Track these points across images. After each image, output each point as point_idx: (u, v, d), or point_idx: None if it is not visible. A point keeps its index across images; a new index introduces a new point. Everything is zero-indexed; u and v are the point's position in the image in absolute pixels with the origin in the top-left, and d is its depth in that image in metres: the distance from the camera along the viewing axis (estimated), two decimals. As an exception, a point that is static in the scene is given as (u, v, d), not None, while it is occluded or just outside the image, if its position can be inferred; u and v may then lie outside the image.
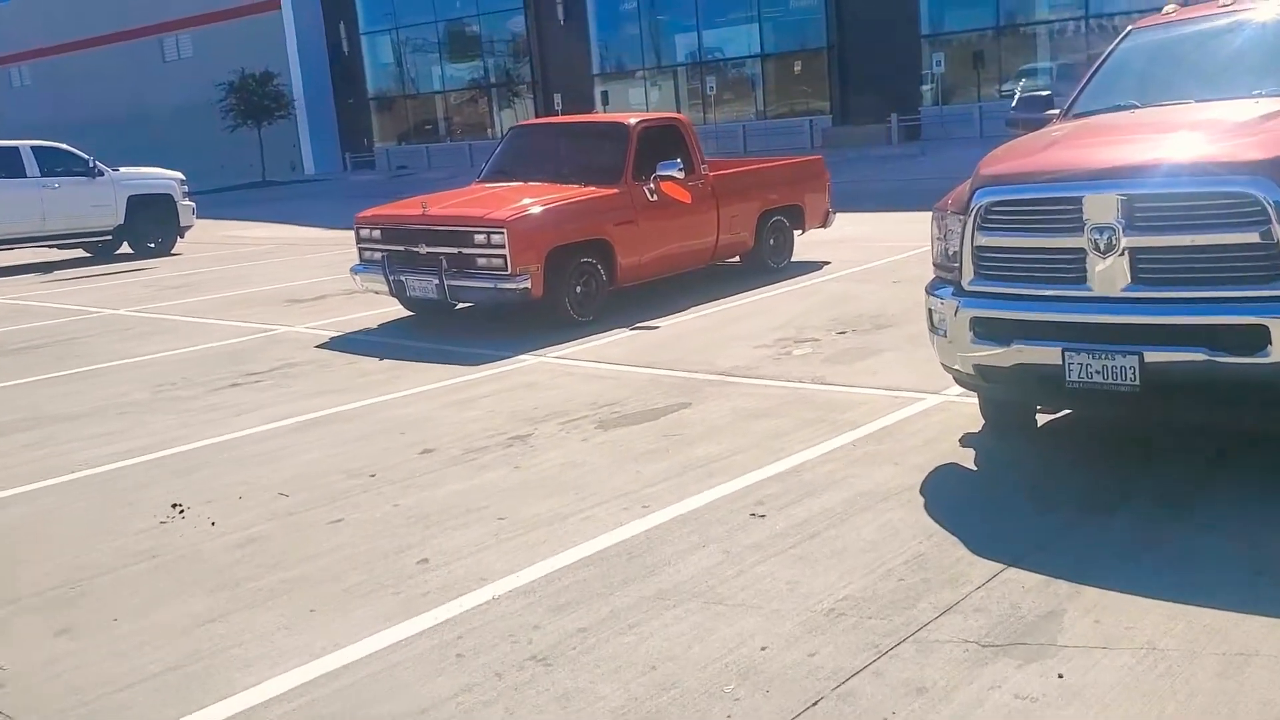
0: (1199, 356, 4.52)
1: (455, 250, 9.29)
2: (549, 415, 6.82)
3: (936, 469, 5.36)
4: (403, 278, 9.64)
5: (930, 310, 5.51)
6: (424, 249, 9.50)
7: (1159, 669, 3.36)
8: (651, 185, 10.12)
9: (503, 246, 9.04)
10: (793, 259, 12.17)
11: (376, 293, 9.99)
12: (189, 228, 19.78)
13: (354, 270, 10.26)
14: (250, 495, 5.62)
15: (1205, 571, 4.00)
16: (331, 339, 9.84)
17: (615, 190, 9.94)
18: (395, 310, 10.68)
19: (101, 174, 18.52)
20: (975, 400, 5.95)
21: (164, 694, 3.63)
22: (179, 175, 19.82)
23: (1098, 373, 4.72)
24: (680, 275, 11.02)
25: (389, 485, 5.64)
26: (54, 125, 53.20)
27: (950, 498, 5.00)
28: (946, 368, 5.52)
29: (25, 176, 17.74)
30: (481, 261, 9.20)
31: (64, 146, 18.62)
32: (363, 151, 43.28)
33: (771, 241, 11.82)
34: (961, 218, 5.20)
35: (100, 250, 19.18)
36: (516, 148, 11.13)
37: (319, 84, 44.54)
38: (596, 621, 3.93)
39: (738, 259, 11.77)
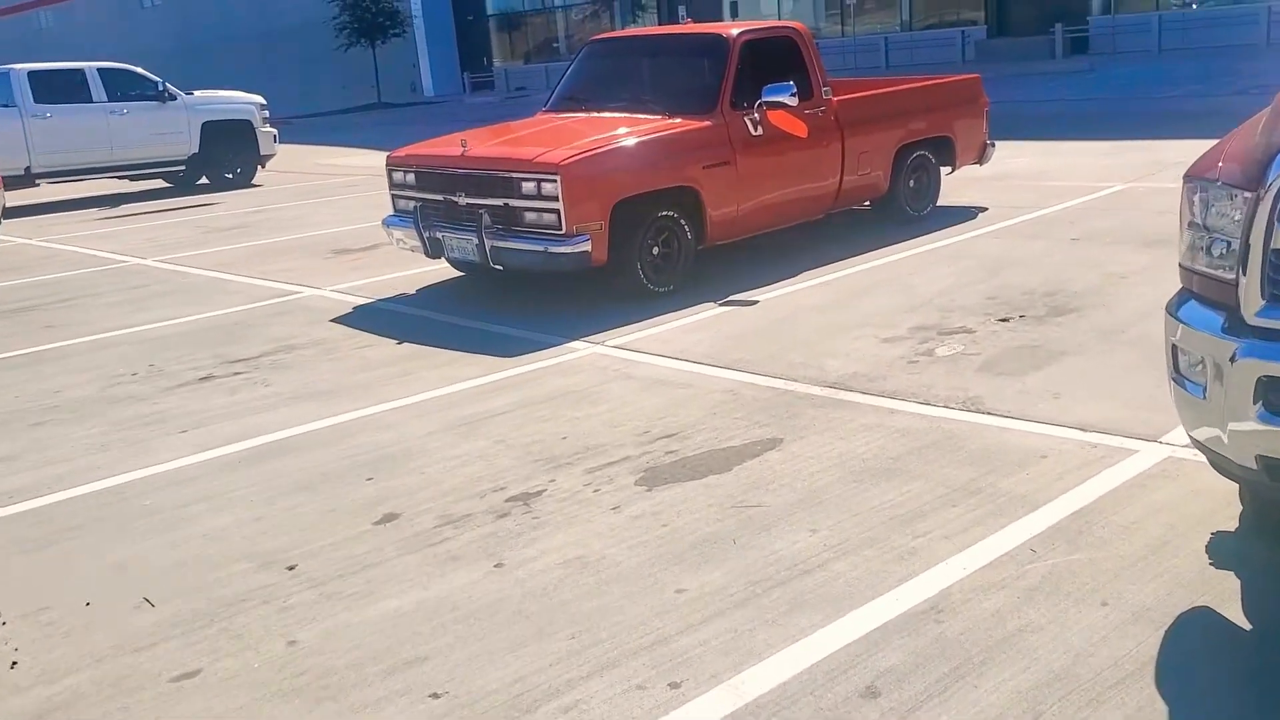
0: None
1: (500, 202, 7.26)
2: (578, 452, 4.80)
3: (1178, 620, 3.15)
4: (439, 234, 7.68)
5: (1176, 346, 3.24)
6: (463, 199, 7.50)
7: None
8: (755, 115, 7.89)
9: (555, 198, 6.97)
10: (938, 203, 9.79)
11: (412, 250, 8.06)
12: (270, 156, 18.19)
13: (387, 223, 8.34)
14: (104, 601, 3.77)
15: None
16: (354, 309, 7.98)
17: (708, 122, 7.74)
18: (442, 270, 8.76)
19: (173, 98, 17.02)
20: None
21: None
22: (259, 99, 18.22)
23: None
24: (790, 228, 8.79)
25: (302, 592, 3.72)
26: (180, 48, 53.02)
27: (1207, 696, 2.81)
28: (1197, 442, 3.28)
29: (91, 101, 16.36)
30: (530, 217, 7.16)
31: (133, 69, 17.17)
32: (482, 71, 41.47)
33: (912, 183, 9.46)
34: (1245, 196, 2.92)
35: (180, 181, 17.79)
36: (591, 69, 8.97)
37: (438, 0, 42.74)
38: None
39: (867, 204, 9.46)
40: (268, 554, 4.02)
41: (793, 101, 7.84)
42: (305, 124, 33.51)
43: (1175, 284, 3.39)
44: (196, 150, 17.30)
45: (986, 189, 10.88)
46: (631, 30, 10.49)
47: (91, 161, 16.43)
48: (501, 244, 7.26)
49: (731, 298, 7.37)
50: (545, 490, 4.42)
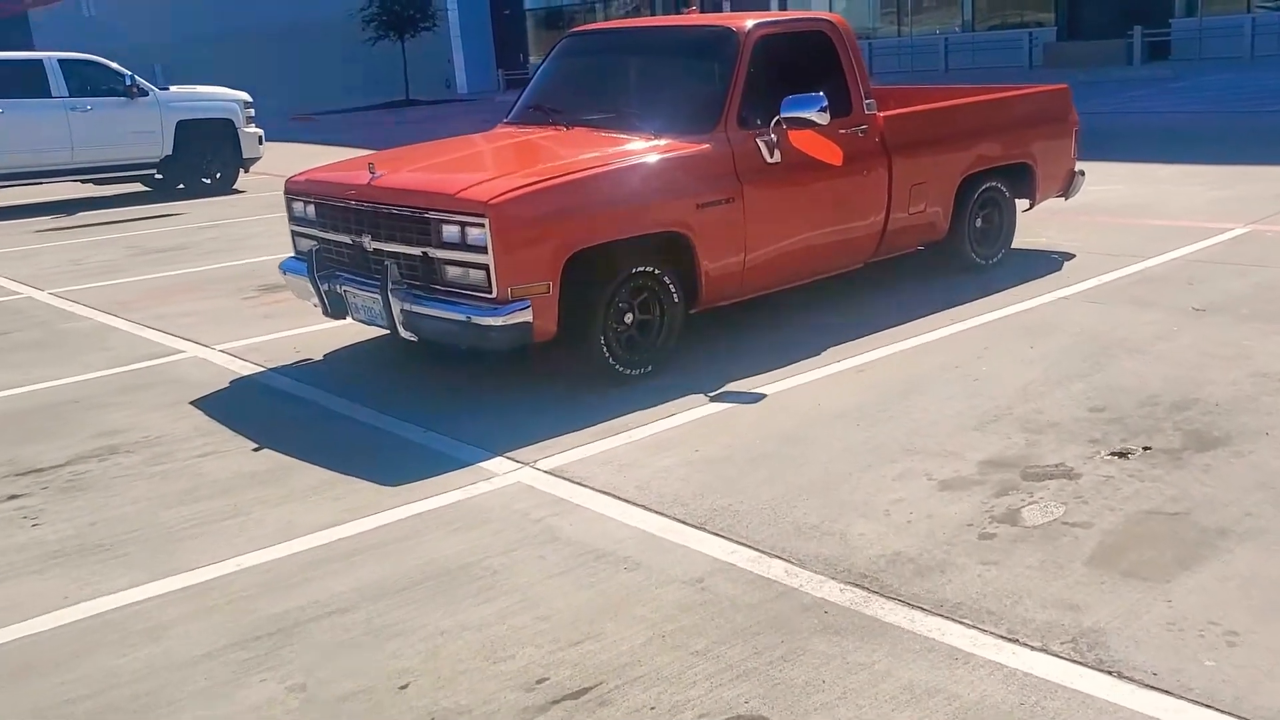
0: None
1: (416, 250, 5.29)
2: (414, 732, 2.81)
3: None
4: (341, 288, 5.72)
5: None
6: (370, 243, 5.53)
7: None
8: (772, 136, 5.85)
9: (483, 249, 4.98)
10: (1012, 246, 7.69)
11: (313, 305, 6.09)
12: (255, 159, 16.30)
13: (284, 268, 6.40)
14: None
15: None
16: (233, 383, 6.04)
17: (706, 145, 5.71)
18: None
19: (144, 94, 15.19)
20: None
21: None
22: (243, 96, 16.36)
23: None
24: (816, 283, 6.76)
25: None
26: (216, 37, 51.83)
27: None
28: None
29: (50, 96, 14.59)
30: (452, 273, 5.18)
31: (100, 60, 15.39)
32: (517, 68, 39.65)
33: (979, 223, 7.38)
34: None
35: (158, 185, 15.96)
36: (565, 70, 6.95)
37: (475, -6, 41.05)
38: None
39: (919, 248, 7.38)
40: None
41: (822, 118, 5.78)
42: (327, 120, 31.87)
43: None
44: (169, 152, 15.47)
45: (1070, 226, 8.75)
46: (617, 22, 8.31)
47: (49, 163, 14.64)
48: (414, 308, 5.28)
49: (728, 388, 5.35)
50: (315, 844, 2.43)
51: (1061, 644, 3.04)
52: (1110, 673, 2.90)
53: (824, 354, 5.80)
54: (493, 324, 5.04)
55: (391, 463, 4.68)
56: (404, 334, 5.42)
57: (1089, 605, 3.23)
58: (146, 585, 3.70)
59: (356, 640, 3.28)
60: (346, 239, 5.71)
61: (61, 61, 14.90)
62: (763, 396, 5.24)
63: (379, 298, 5.39)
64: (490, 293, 5.03)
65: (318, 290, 5.81)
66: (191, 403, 5.69)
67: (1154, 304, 6.41)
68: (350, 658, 3.18)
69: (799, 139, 5.90)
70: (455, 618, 3.38)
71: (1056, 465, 4.25)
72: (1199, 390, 4.95)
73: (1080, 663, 2.95)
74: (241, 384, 6.01)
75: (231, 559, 3.86)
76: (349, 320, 5.97)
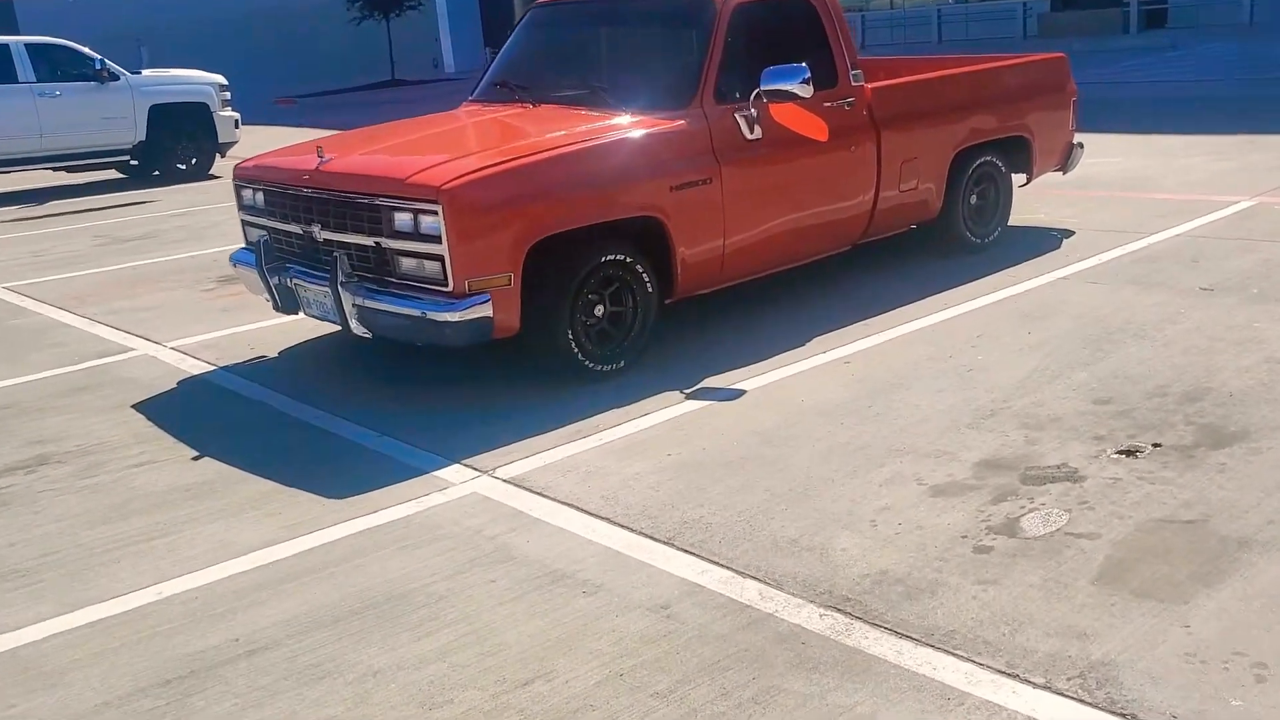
0: None
1: (369, 241, 4.92)
2: (331, 798, 2.46)
3: None
4: (291, 281, 5.35)
5: None
6: (319, 232, 5.16)
7: None
8: (752, 110, 5.47)
9: (437, 238, 4.62)
10: (1008, 223, 7.32)
11: (265, 300, 5.72)
12: (231, 144, 15.86)
13: (235, 260, 6.02)
14: None
15: None
16: (180, 383, 5.68)
17: (681, 121, 5.33)
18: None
19: (115, 78, 14.76)
20: None
21: None
22: (218, 79, 15.91)
23: None
24: (801, 267, 6.39)
25: None
26: (200, 20, 51.14)
27: None
28: None
29: (18, 82, 14.14)
30: (406, 264, 4.81)
31: (69, 44, 14.93)
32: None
33: (974, 199, 7.01)
34: None
35: (134, 172, 15.53)
36: (533, 44, 6.57)
37: (462, -30, 40.39)
38: None
39: (911, 228, 7.01)
40: None
41: (805, 91, 5.40)
42: (310, 103, 31.35)
43: None
44: (143, 138, 15.03)
45: (1068, 201, 8.37)
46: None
47: (17, 151, 14.19)
48: (366, 302, 4.92)
49: (705, 384, 4.99)
50: None
51: (1068, 680, 2.70)
52: (1124, 715, 2.56)
53: (808, 345, 5.44)
54: (449, 319, 4.68)
55: (340, 472, 4.32)
56: (356, 330, 5.06)
57: (1098, 632, 2.88)
58: (54, 619, 3.35)
59: (277, 685, 2.93)
60: (296, 229, 5.33)
61: (28, 46, 14.45)
62: (742, 393, 4.88)
63: (330, 291, 5.02)
64: (446, 285, 4.67)
65: (266, 283, 5.44)
66: (134, 406, 5.33)
67: (1158, 284, 6.05)
68: (269, 706, 2.83)
69: (781, 113, 5.51)
70: (391, 655, 3.03)
71: (1058, 466, 3.90)
72: (1211, 379, 4.60)
73: (1089, 703, 2.61)
74: (190, 385, 5.64)
75: (152, 586, 3.51)
76: (302, 315, 5.60)
